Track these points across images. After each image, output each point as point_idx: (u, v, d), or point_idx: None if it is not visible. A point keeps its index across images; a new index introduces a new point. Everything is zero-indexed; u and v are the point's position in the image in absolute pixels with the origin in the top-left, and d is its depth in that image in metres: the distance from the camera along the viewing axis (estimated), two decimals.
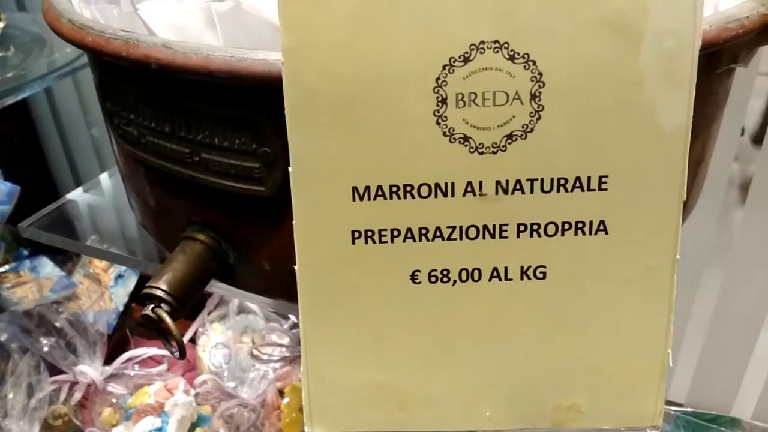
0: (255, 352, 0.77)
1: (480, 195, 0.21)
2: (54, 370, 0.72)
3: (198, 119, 0.25)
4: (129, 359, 0.71)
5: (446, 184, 0.21)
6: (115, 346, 0.94)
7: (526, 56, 0.20)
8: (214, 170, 0.26)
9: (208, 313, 0.88)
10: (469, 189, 0.21)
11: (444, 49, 0.20)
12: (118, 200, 0.61)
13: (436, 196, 0.21)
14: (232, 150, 0.25)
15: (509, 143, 0.21)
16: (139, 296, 1.03)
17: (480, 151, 0.21)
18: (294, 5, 0.20)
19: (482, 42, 0.20)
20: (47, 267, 0.99)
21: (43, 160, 1.16)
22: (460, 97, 0.21)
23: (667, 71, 0.20)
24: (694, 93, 0.20)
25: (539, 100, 0.21)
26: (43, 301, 0.92)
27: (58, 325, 0.89)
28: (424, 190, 0.21)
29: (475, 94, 0.21)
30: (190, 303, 0.28)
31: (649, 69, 0.20)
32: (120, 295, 1.03)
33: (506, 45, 0.20)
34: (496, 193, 0.21)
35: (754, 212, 0.61)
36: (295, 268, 0.23)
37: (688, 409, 0.64)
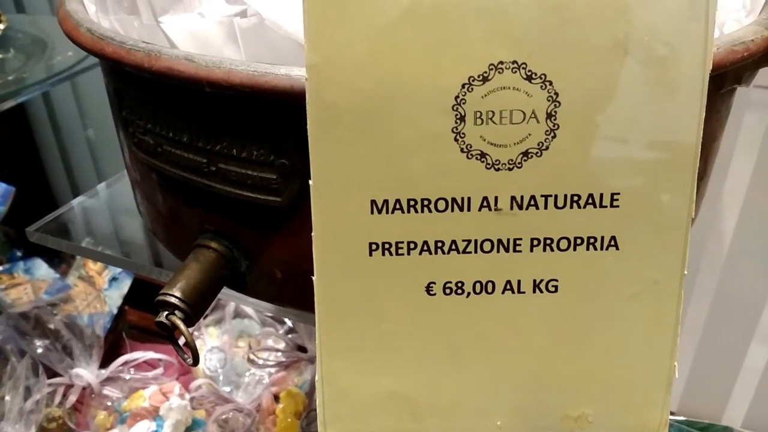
0: (251, 356, 0.77)
1: (495, 210, 0.22)
2: (49, 373, 0.72)
3: (217, 130, 0.25)
4: (125, 363, 0.71)
5: (463, 198, 0.22)
6: (108, 348, 0.94)
7: (543, 76, 0.21)
8: (230, 180, 0.26)
9: (204, 317, 0.89)
10: (485, 204, 0.22)
11: (463, 69, 0.21)
12: (115, 204, 0.62)
13: (452, 210, 0.22)
14: (250, 161, 0.26)
15: (525, 160, 0.22)
16: (132, 299, 1.03)
17: (496, 167, 0.22)
18: (318, 23, 0.20)
19: (501, 62, 0.21)
20: (41, 269, 0.99)
21: (39, 161, 1.15)
22: (478, 114, 0.21)
23: (678, 93, 0.20)
24: (704, 114, 0.21)
25: (555, 119, 0.21)
26: (38, 303, 0.91)
27: (53, 327, 0.89)
28: (441, 205, 0.22)
29: (493, 112, 0.21)
30: (203, 310, 0.28)
31: (661, 90, 0.20)
32: (114, 297, 1.03)
33: (524, 65, 0.21)
34: (511, 208, 0.22)
35: (746, 222, 0.62)
36: (313, 278, 0.23)
37: (681, 418, 0.65)
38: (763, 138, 0.58)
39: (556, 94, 0.21)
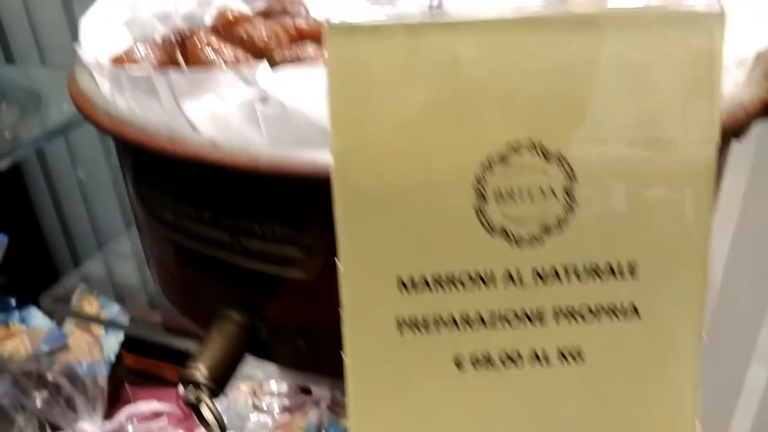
0: (254, 401, 0.77)
1: (519, 283, 0.23)
2: (53, 427, 0.71)
3: (240, 209, 0.26)
4: (129, 416, 0.70)
5: (487, 273, 0.23)
6: (109, 395, 0.93)
7: (558, 155, 0.22)
8: (253, 255, 0.27)
9: None
10: (509, 278, 0.23)
11: (482, 149, 0.22)
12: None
13: (477, 285, 0.23)
14: (273, 238, 0.26)
15: (546, 235, 0.22)
16: (130, 344, 1.02)
17: (519, 242, 0.22)
18: (343, 113, 0.21)
19: (518, 141, 0.22)
20: (37, 318, 0.98)
21: (30, 207, 1.15)
22: (498, 193, 0.22)
23: (690, 172, 0.21)
24: (714, 189, 0.22)
25: (572, 195, 0.22)
26: (34, 355, 0.90)
27: (53, 380, 0.88)
28: (467, 280, 0.23)
29: (513, 190, 0.22)
30: (227, 382, 0.28)
31: (674, 171, 0.21)
32: (111, 344, 1.02)
33: (540, 144, 0.22)
34: (534, 281, 0.23)
35: (741, 246, 0.63)
36: (340, 350, 0.24)
37: None
38: (753, 163, 0.59)
39: (572, 171, 0.22)
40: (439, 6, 0.53)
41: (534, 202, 0.22)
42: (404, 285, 0.23)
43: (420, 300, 0.23)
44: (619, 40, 0.21)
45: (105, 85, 0.31)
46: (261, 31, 0.44)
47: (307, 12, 0.52)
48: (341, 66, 0.21)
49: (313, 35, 0.49)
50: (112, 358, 1.00)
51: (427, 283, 0.23)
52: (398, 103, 0.21)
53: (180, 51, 0.32)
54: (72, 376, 0.94)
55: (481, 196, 0.22)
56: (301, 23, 0.48)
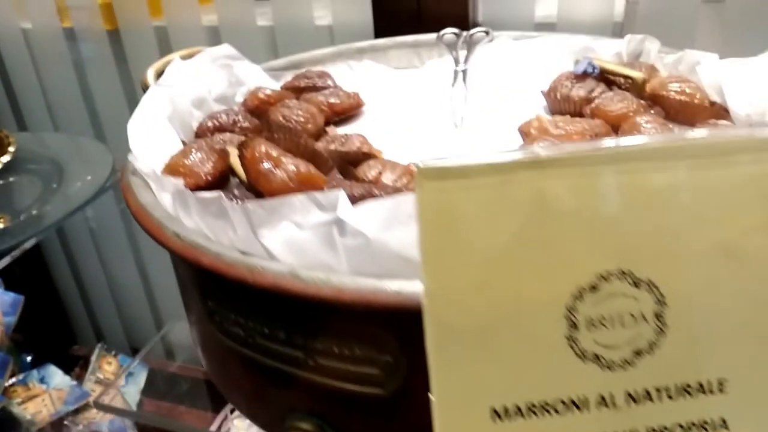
0: None
1: (612, 406, 0.23)
2: None
3: (317, 331, 0.26)
4: None
5: (580, 398, 0.23)
6: None
7: (648, 282, 0.22)
8: (329, 373, 0.27)
9: (231, 411, 0.88)
10: (602, 402, 0.23)
11: (573, 281, 0.22)
12: None
13: (570, 410, 0.23)
14: (351, 358, 0.26)
15: (637, 358, 0.22)
16: (150, 390, 1.01)
17: (610, 367, 0.22)
18: (435, 252, 0.21)
19: (608, 271, 0.22)
20: (56, 376, 0.97)
21: (44, 265, 1.14)
22: (590, 321, 0.22)
23: None
24: None
25: (663, 319, 0.22)
26: (57, 416, 0.90)
27: None
28: (560, 407, 0.23)
29: (604, 317, 0.22)
30: None
31: (759, 286, 0.22)
32: (132, 393, 1.01)
33: (630, 273, 0.22)
34: (627, 403, 0.23)
35: None
36: None
37: None
38: None
39: (662, 296, 0.22)
40: (464, 70, 0.54)
41: (625, 327, 0.22)
42: (497, 414, 0.23)
43: (514, 428, 0.23)
44: (701, 168, 0.21)
45: (165, 199, 0.31)
46: (297, 112, 0.44)
47: (334, 84, 0.53)
48: (432, 208, 0.21)
49: (344, 111, 0.49)
50: (134, 407, 0.99)
51: (520, 411, 0.23)
52: (487, 239, 0.21)
53: (240, 159, 0.32)
54: None
55: (573, 324, 0.22)
56: (333, 100, 0.49)
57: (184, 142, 0.40)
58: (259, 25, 0.78)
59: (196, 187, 0.34)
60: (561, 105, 0.47)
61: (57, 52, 0.92)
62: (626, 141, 0.22)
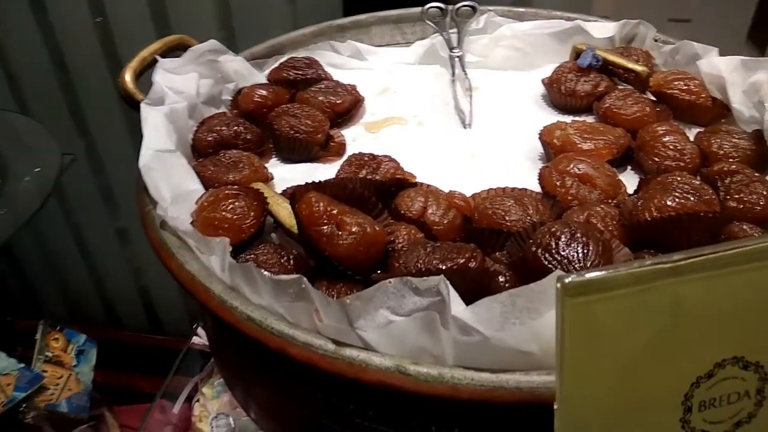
0: None
1: None
2: None
3: (426, 421, 0.26)
4: None
5: None
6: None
7: (756, 364, 0.23)
8: None
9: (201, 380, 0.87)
10: None
11: (694, 372, 0.23)
12: None
13: None
14: None
15: (737, 429, 0.24)
16: (103, 363, 0.98)
17: None
18: (574, 360, 0.21)
19: (724, 360, 0.23)
20: (1, 360, 0.91)
21: None
22: (702, 404, 0.23)
23: None
24: None
25: (763, 393, 0.24)
26: (11, 404, 0.85)
27: (34, 423, 0.84)
28: None
29: (714, 398, 0.23)
30: None
31: None
32: (86, 372, 0.97)
33: (742, 358, 0.23)
34: None
35: None
36: None
37: None
38: None
39: (765, 374, 0.23)
40: (459, 56, 0.51)
41: (730, 404, 0.23)
42: None
43: None
44: None
45: (214, 264, 0.29)
46: (305, 122, 0.42)
47: (324, 74, 0.49)
48: (574, 321, 0.21)
49: (346, 110, 0.46)
50: (90, 385, 0.96)
51: None
52: (624, 345, 0.21)
53: (295, 213, 0.30)
54: (54, 418, 0.90)
55: (687, 409, 0.23)
56: (334, 99, 0.45)
57: (203, 178, 0.36)
58: None
59: (240, 242, 0.31)
60: (566, 99, 0.46)
61: None
62: (752, 242, 0.22)
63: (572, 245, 0.28)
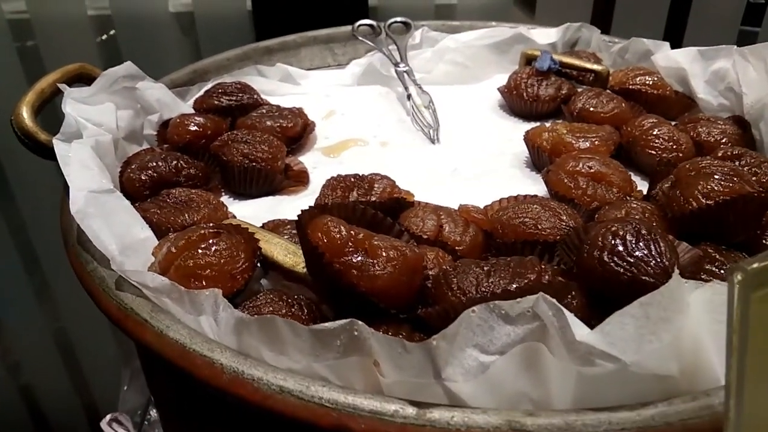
0: None
1: None
2: None
3: None
4: None
5: None
6: None
7: None
8: None
9: None
10: None
11: None
12: None
13: None
14: None
15: None
16: None
17: None
18: (760, 376, 0.17)
19: None
20: None
21: None
22: None
23: None
24: None
25: None
26: None
27: None
28: None
29: None
30: None
31: None
32: None
33: None
34: None
35: None
36: None
37: None
38: None
39: None
40: (406, 71, 0.47)
41: None
42: None
43: None
44: None
45: (204, 324, 0.22)
46: (261, 148, 0.35)
47: (261, 98, 0.42)
48: (761, 320, 0.16)
49: (298, 134, 0.40)
50: None
51: None
52: None
53: (306, 244, 0.23)
54: None
55: None
56: (284, 123, 0.39)
57: (149, 224, 0.28)
58: (89, 15, 0.62)
59: (232, 293, 0.24)
60: (530, 105, 0.43)
61: None
62: None
63: (641, 244, 0.24)
